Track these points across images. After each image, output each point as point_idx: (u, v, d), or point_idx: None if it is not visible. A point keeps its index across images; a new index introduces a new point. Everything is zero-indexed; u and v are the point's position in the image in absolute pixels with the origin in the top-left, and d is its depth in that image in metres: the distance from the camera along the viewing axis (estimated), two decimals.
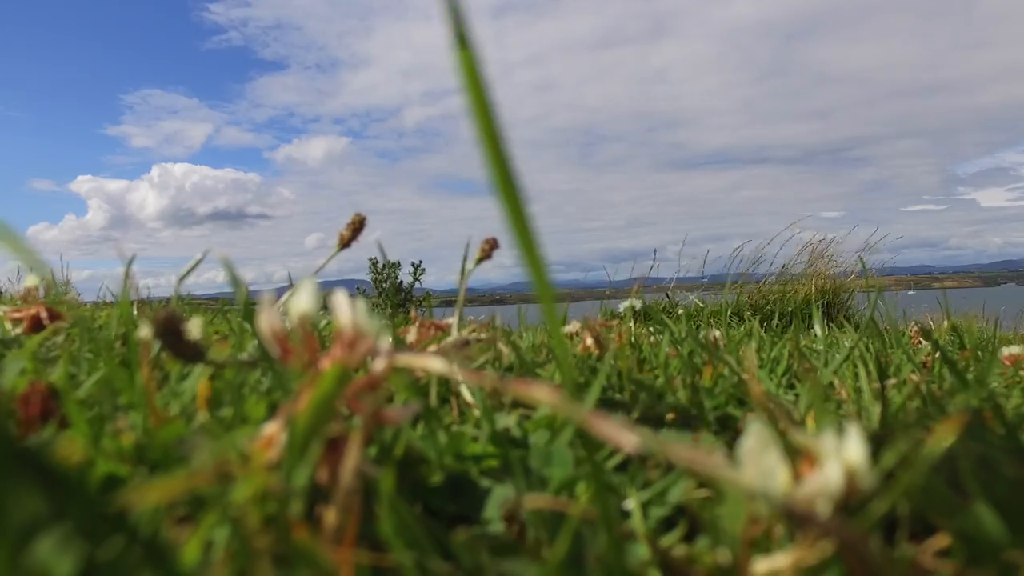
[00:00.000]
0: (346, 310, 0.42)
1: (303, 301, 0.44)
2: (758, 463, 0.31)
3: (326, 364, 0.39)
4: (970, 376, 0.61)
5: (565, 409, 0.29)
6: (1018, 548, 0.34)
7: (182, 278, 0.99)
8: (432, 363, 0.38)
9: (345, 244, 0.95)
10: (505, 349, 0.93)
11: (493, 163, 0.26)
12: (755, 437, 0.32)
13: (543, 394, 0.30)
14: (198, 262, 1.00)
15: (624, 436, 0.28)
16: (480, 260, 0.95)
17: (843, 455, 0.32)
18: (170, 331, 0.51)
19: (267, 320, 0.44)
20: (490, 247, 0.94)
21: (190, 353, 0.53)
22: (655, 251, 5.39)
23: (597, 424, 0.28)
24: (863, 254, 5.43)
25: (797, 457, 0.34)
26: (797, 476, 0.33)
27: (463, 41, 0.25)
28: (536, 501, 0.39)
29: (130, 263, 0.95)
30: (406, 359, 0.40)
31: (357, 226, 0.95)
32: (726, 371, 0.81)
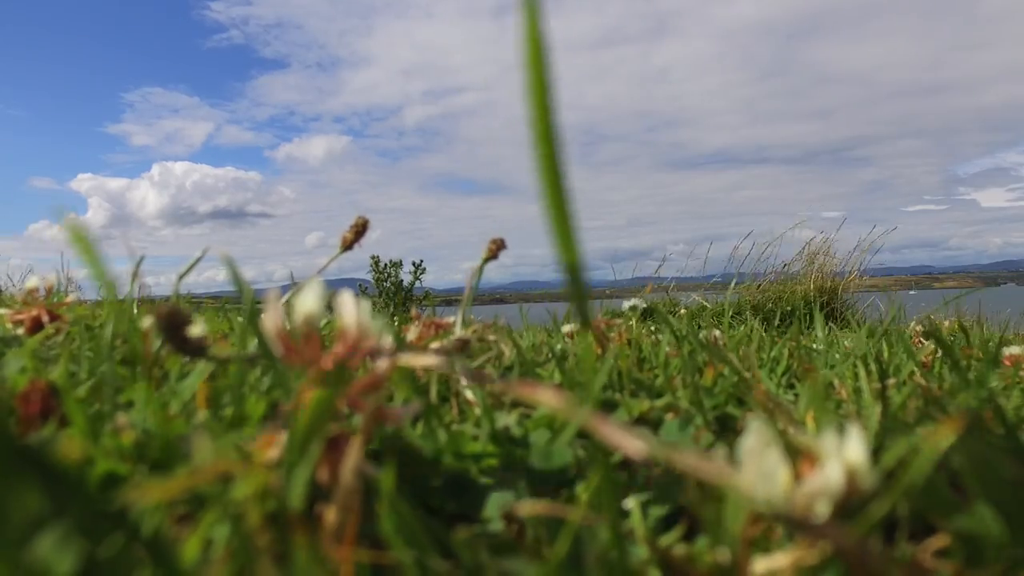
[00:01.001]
0: (350, 309, 0.42)
1: (308, 300, 0.44)
2: (758, 463, 0.31)
3: (328, 363, 0.39)
4: (971, 376, 0.61)
5: (569, 413, 0.29)
6: (1018, 548, 0.34)
7: (182, 276, 0.99)
8: (433, 362, 0.38)
9: (348, 247, 0.95)
10: (506, 349, 0.93)
11: (544, 160, 0.25)
12: (755, 436, 0.32)
13: (547, 397, 0.30)
14: (197, 260, 1.00)
15: (629, 441, 0.28)
16: (487, 260, 0.95)
17: (843, 455, 0.32)
18: (172, 326, 0.51)
19: (271, 318, 0.44)
20: (497, 247, 0.94)
21: (192, 348, 0.53)
22: (665, 255, 5.37)
23: (602, 428, 0.28)
24: (862, 253, 5.42)
25: (797, 457, 0.34)
26: (798, 476, 0.33)
27: (534, 35, 0.24)
28: (534, 504, 0.39)
29: (139, 264, 0.96)
30: (407, 358, 0.40)
31: (360, 229, 0.95)
32: (726, 371, 0.81)
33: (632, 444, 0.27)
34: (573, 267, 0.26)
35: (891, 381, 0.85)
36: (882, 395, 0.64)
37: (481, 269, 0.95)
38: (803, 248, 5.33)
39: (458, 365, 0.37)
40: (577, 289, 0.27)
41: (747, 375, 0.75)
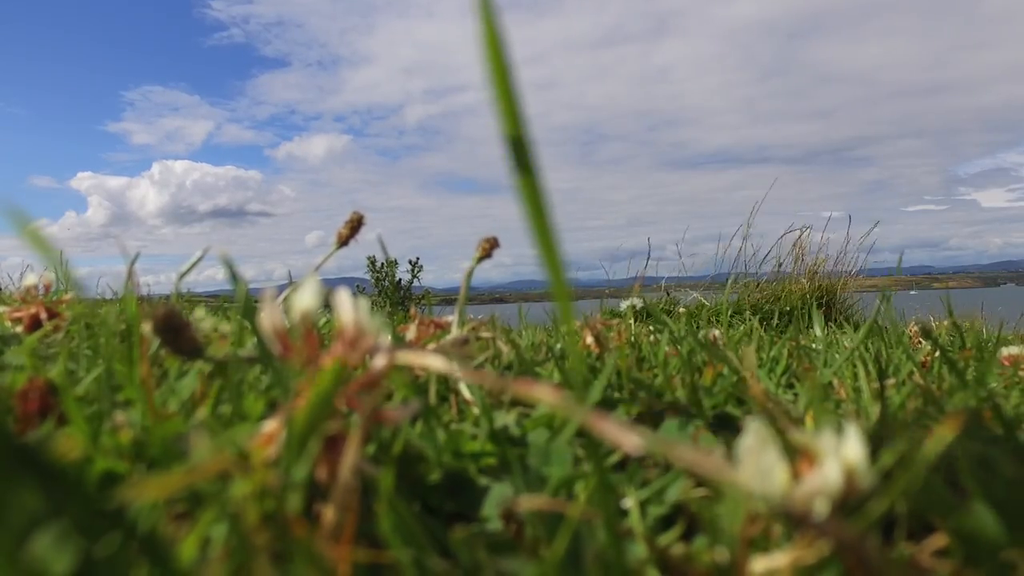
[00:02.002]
0: (348, 308, 0.42)
1: (306, 298, 0.44)
2: (757, 462, 0.31)
3: (326, 361, 0.39)
4: (969, 376, 0.61)
5: (566, 409, 0.29)
6: (1016, 548, 0.34)
7: (182, 276, 0.99)
8: (432, 361, 0.38)
9: (343, 242, 0.95)
10: (504, 347, 0.93)
11: (515, 157, 0.26)
12: (754, 436, 0.32)
13: (544, 393, 0.30)
14: (198, 260, 1.00)
15: (626, 436, 0.28)
16: (480, 259, 0.95)
17: (842, 454, 0.32)
18: (169, 327, 0.51)
19: (268, 316, 0.44)
20: (490, 246, 0.94)
21: (189, 349, 0.53)
22: (663, 253, 5.33)
23: (599, 424, 0.28)
24: (861, 253, 5.41)
25: (796, 456, 0.34)
26: (796, 475, 0.33)
27: (492, 34, 0.25)
28: (534, 500, 0.39)
29: (133, 261, 0.96)
30: (406, 357, 0.40)
31: (355, 224, 0.95)
32: (725, 370, 0.81)
33: (630, 440, 0.27)
34: (554, 264, 0.26)
35: (890, 381, 0.85)
36: (881, 395, 0.64)
37: (473, 268, 0.95)
38: (792, 246, 5.30)
39: (456, 363, 0.37)
40: (560, 286, 0.27)
41: (745, 375, 0.75)
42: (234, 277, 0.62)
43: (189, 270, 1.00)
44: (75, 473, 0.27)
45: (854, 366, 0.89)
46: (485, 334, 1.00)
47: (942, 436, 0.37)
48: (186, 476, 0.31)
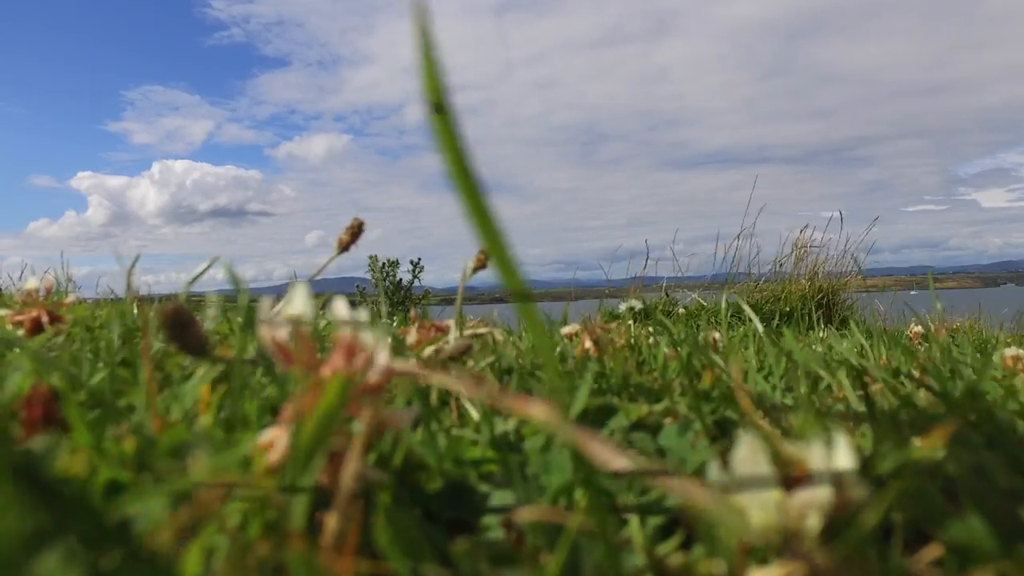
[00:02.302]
0: (346, 320, 0.42)
1: (296, 306, 0.44)
2: (747, 481, 0.31)
3: (327, 372, 0.40)
4: (965, 382, 0.61)
5: (558, 428, 0.29)
6: (1010, 558, 0.35)
7: (190, 283, 0.99)
8: (431, 376, 0.39)
9: (344, 248, 0.95)
10: (500, 336, 0.94)
11: (449, 157, 0.26)
12: (746, 448, 0.32)
13: (537, 411, 0.30)
14: (206, 268, 1.00)
15: (615, 458, 0.28)
16: (476, 270, 0.95)
17: (833, 465, 0.33)
18: (177, 323, 0.52)
19: (267, 326, 0.44)
20: (485, 256, 0.95)
21: (195, 345, 0.53)
22: (661, 253, 5.32)
23: (588, 444, 0.28)
24: (860, 254, 5.39)
25: (788, 467, 0.34)
26: (788, 486, 0.33)
27: (423, 34, 0.25)
28: (532, 511, 0.39)
29: (134, 263, 0.96)
30: (405, 369, 0.40)
31: (356, 231, 0.95)
32: (725, 375, 0.82)
33: (619, 461, 0.28)
34: (506, 267, 0.27)
35: (885, 384, 0.86)
36: (875, 400, 0.65)
37: (468, 278, 0.96)
38: (792, 247, 5.28)
39: (454, 375, 0.38)
40: (513, 283, 0.27)
41: (738, 382, 0.75)
42: (236, 281, 0.62)
43: (197, 278, 1.00)
44: (79, 486, 0.27)
45: (851, 369, 0.89)
46: (482, 330, 1.00)
47: (933, 444, 0.37)
48: (190, 511, 0.31)
